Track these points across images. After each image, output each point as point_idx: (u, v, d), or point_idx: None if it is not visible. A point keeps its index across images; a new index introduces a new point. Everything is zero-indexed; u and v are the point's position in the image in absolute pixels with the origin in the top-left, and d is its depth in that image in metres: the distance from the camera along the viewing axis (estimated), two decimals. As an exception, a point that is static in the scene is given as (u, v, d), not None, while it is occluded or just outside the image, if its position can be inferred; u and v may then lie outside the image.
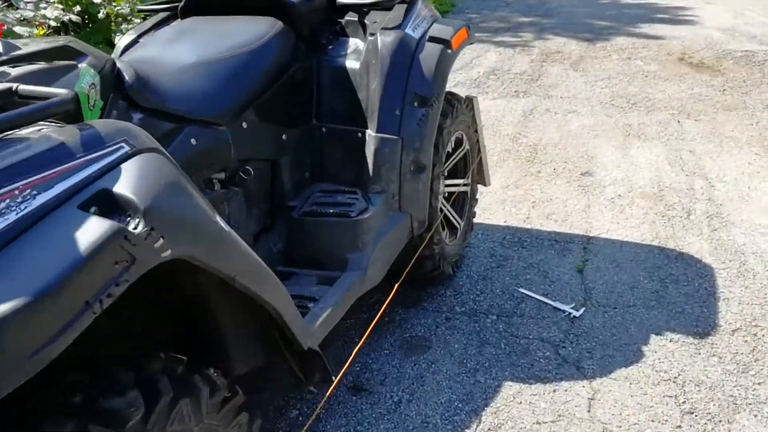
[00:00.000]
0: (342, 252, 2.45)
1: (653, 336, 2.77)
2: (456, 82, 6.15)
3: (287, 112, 2.57)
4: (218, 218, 1.30)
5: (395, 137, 2.54)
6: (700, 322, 2.85)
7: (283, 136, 2.54)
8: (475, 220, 3.68)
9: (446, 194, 3.12)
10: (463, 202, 3.32)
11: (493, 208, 3.90)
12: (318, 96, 2.73)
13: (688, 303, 2.97)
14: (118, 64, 1.88)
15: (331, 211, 2.48)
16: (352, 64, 2.67)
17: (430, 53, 2.65)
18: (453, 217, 3.17)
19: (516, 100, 5.67)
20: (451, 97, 2.97)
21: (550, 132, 4.95)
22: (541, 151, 4.62)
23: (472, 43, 3.16)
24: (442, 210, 2.96)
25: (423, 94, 2.59)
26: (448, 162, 3.09)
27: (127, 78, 1.86)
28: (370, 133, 2.57)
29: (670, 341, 2.73)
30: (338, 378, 2.17)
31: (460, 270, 3.28)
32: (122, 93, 1.85)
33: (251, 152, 2.39)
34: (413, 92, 2.59)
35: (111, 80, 1.81)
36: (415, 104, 2.59)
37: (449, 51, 2.72)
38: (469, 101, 3.34)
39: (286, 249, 2.51)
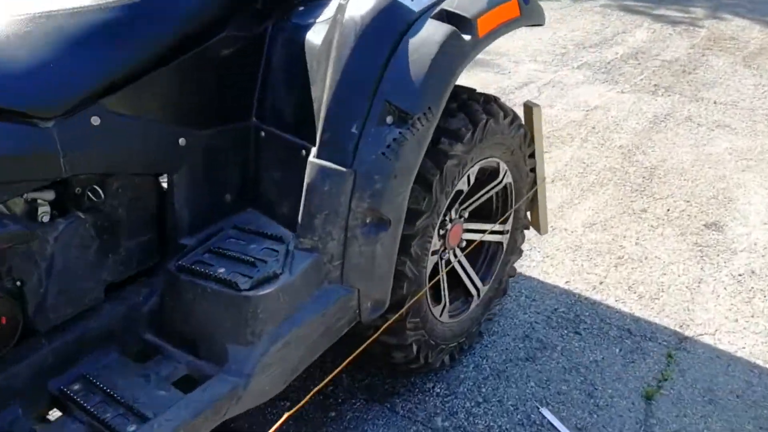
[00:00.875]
0: (222, 339, 1.56)
1: None
2: (581, 63, 4.87)
3: (195, 104, 1.67)
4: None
5: (343, 169, 1.57)
6: None
7: (181, 141, 1.64)
8: (527, 269, 2.62)
9: (462, 243, 2.10)
10: (493, 257, 2.27)
11: (558, 256, 2.79)
12: (263, 81, 1.80)
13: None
14: None
15: (215, 273, 1.57)
16: (314, 37, 1.70)
17: (429, 38, 1.60)
18: (468, 278, 2.15)
19: (651, 98, 4.33)
20: (480, 105, 1.92)
21: (681, 151, 3.64)
22: (658, 179, 3.37)
23: (540, 26, 2.05)
24: (438, 273, 1.96)
25: (402, 105, 1.57)
26: (466, 201, 2.06)
27: None
28: (310, 158, 1.61)
29: None
30: None
31: (468, 353, 2.27)
32: None
33: (108, 163, 1.53)
34: (385, 100, 1.58)
35: None
36: (388, 120, 1.58)
37: (467, 38, 1.65)
38: (528, 111, 2.25)
39: (161, 311, 1.66)
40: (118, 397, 1.44)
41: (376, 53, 1.58)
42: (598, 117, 4.04)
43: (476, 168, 1.97)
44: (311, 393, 1.49)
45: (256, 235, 1.72)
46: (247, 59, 1.76)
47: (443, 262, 2.03)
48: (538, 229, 2.42)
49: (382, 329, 1.76)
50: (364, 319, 1.71)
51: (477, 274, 2.21)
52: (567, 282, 2.64)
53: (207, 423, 1.46)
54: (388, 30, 1.60)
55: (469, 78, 4.69)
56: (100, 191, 1.56)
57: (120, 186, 1.58)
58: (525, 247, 2.44)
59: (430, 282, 1.93)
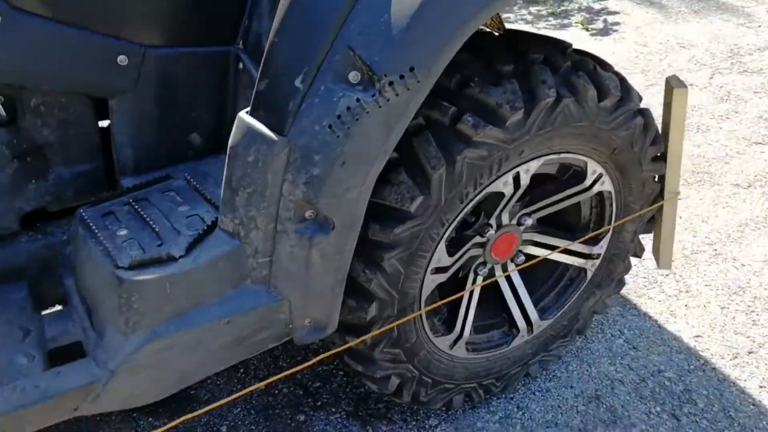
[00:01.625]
0: (104, 319, 1.23)
1: None
2: None
3: (144, 13, 1.29)
4: None
5: (273, 136, 1.09)
6: None
7: (121, 59, 1.29)
8: (647, 302, 1.95)
9: (519, 258, 1.52)
10: (567, 285, 1.64)
11: (704, 295, 2.00)
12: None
13: None
14: None
15: (106, 236, 1.23)
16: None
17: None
18: (518, 304, 1.57)
19: None
20: (560, 73, 1.28)
21: None
22: None
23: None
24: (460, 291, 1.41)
25: (370, 59, 1.03)
26: (535, 203, 1.46)
27: None
28: (241, 112, 1.15)
29: None
30: None
31: (501, 397, 1.70)
32: None
33: (14, 73, 1.24)
34: (348, 47, 1.04)
35: None
36: (351, 77, 1.05)
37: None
38: (668, 91, 1.52)
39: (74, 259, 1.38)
40: None
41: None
42: None
43: (535, 165, 1.34)
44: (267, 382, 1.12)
45: (200, 194, 1.34)
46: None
47: (477, 277, 1.48)
48: (657, 259, 1.71)
49: (329, 353, 1.30)
50: (298, 340, 1.27)
51: (536, 302, 1.61)
52: (698, 337, 1.89)
53: (48, 414, 1.17)
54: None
55: (693, 26, 3.67)
56: (18, 106, 1.28)
57: (42, 104, 1.29)
58: (659, 270, 1.74)
59: (435, 303, 1.40)
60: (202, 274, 1.18)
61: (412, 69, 1.03)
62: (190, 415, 1.19)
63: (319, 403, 1.70)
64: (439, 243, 1.30)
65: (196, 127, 1.42)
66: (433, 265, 1.33)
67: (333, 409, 1.68)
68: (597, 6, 4.16)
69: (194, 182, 1.36)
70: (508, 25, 1.75)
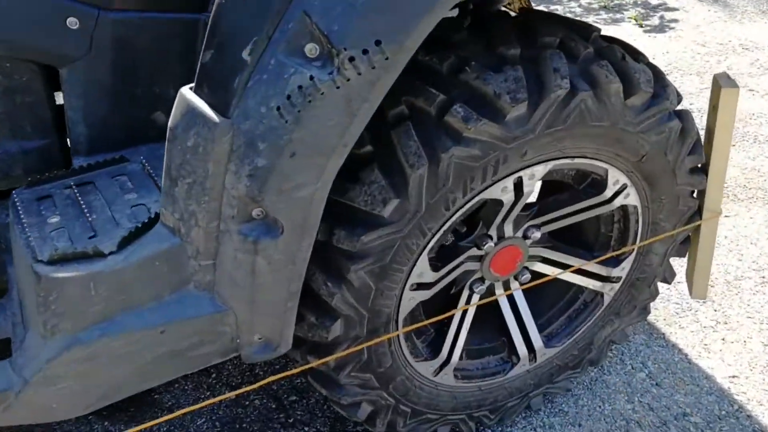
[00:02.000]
0: (29, 315, 1.08)
1: None
2: None
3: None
4: None
5: (214, 117, 0.91)
6: None
7: (71, 21, 1.13)
8: (677, 332, 1.72)
9: (524, 276, 1.31)
10: (580, 310, 1.42)
11: (745, 328, 1.74)
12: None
13: None
14: None
15: (32, 225, 1.07)
16: None
17: None
18: (520, 329, 1.36)
19: None
20: (578, 61, 1.07)
21: None
22: None
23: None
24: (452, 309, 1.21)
25: (328, 28, 0.84)
26: (545, 214, 1.25)
27: None
28: (183, 88, 0.97)
29: None
30: None
31: (495, 429, 1.50)
32: None
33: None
34: (304, 12, 0.85)
35: None
36: (308, 50, 0.86)
37: None
38: (716, 91, 1.28)
39: None
40: None
41: None
42: None
43: (541, 170, 1.13)
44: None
45: (153, 181, 1.17)
46: None
47: (472, 295, 1.28)
48: (690, 287, 1.47)
49: (293, 371, 1.13)
50: (246, 357, 1.09)
51: (541, 327, 1.40)
52: (733, 377, 1.64)
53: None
54: None
55: (760, 27, 3.34)
56: None
57: None
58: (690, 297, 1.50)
59: (416, 324, 1.21)
60: (134, 273, 1.01)
61: (378, 43, 0.84)
62: (149, 423, 1.04)
63: (291, 420, 1.53)
64: (419, 255, 1.10)
65: (160, 104, 1.25)
66: (412, 280, 1.13)
67: (306, 428, 1.51)
68: (654, 1, 3.85)
69: (149, 167, 1.19)
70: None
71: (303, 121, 0.86)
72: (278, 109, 0.87)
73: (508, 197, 1.13)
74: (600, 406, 1.57)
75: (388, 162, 1.01)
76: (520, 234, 1.26)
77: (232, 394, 1.51)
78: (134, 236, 1.03)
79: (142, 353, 1.05)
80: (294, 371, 1.14)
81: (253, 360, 1.09)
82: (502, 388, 1.41)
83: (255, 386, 1.10)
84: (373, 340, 1.13)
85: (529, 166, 1.10)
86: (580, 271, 1.35)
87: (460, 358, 1.32)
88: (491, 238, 1.23)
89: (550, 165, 1.13)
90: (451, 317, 1.27)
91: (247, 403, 1.57)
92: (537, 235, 1.27)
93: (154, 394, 1.58)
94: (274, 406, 1.56)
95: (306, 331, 1.11)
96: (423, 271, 1.13)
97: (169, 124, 0.96)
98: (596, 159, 1.17)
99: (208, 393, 1.59)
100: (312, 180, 0.90)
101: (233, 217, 0.96)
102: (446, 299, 1.31)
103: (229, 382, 1.62)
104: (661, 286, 1.80)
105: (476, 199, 1.09)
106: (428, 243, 1.09)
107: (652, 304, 1.51)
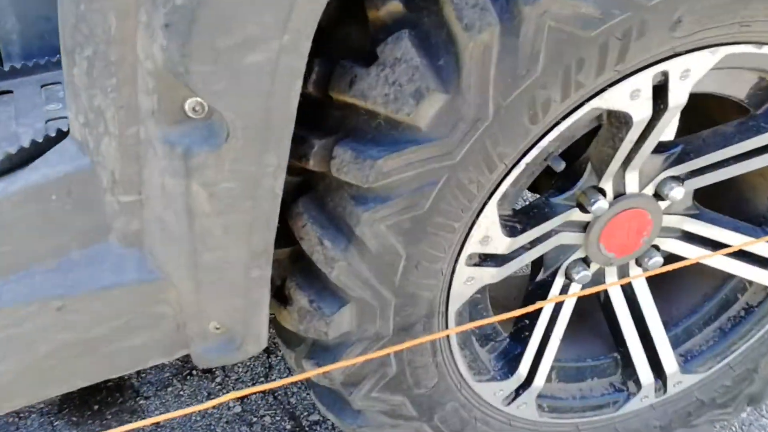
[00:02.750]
0: None
1: None
2: None
3: None
4: None
5: None
6: None
7: None
8: None
9: (653, 260, 0.84)
10: (741, 317, 0.92)
11: None
12: None
13: None
14: None
15: None
16: None
17: None
18: (644, 341, 0.89)
19: None
20: None
21: None
22: None
23: None
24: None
25: None
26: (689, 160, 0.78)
27: None
28: None
29: None
30: None
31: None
32: None
33: None
34: None
35: None
36: None
37: None
38: None
39: None
40: None
41: None
42: None
43: (707, 63, 0.66)
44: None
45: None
46: None
47: (570, 285, 0.83)
48: None
49: (276, 384, 0.72)
50: (197, 357, 0.68)
51: (676, 341, 0.92)
52: None
53: None
54: None
55: None
56: None
57: None
58: None
59: (480, 321, 0.76)
60: (17, 212, 0.63)
61: None
62: (125, 428, 0.66)
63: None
64: (484, 205, 0.66)
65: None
66: (471, 248, 0.69)
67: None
68: None
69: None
70: None
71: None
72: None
73: (640, 111, 0.67)
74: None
75: (428, 24, 0.58)
76: (650, 191, 0.80)
77: (222, 400, 1.13)
78: (28, 156, 0.66)
79: (31, 342, 0.66)
80: (293, 378, 0.73)
81: (208, 363, 0.69)
82: (612, 430, 0.93)
83: (256, 389, 0.70)
84: (406, 342, 0.70)
85: (683, 53, 0.63)
86: (742, 254, 0.86)
87: (548, 380, 0.86)
88: (604, 193, 0.77)
89: (721, 52, 0.65)
90: (536, 316, 0.82)
91: (254, 419, 1.18)
92: (679, 194, 0.80)
93: (138, 399, 1.22)
94: (288, 426, 1.16)
95: (297, 322, 0.70)
96: (489, 233, 0.69)
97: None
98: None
99: (206, 394, 1.21)
100: (272, 30, 0.49)
101: (153, 112, 0.56)
102: (528, 289, 0.86)
103: (239, 389, 1.23)
104: None
105: (585, 108, 0.64)
106: (499, 183, 0.65)
107: None
